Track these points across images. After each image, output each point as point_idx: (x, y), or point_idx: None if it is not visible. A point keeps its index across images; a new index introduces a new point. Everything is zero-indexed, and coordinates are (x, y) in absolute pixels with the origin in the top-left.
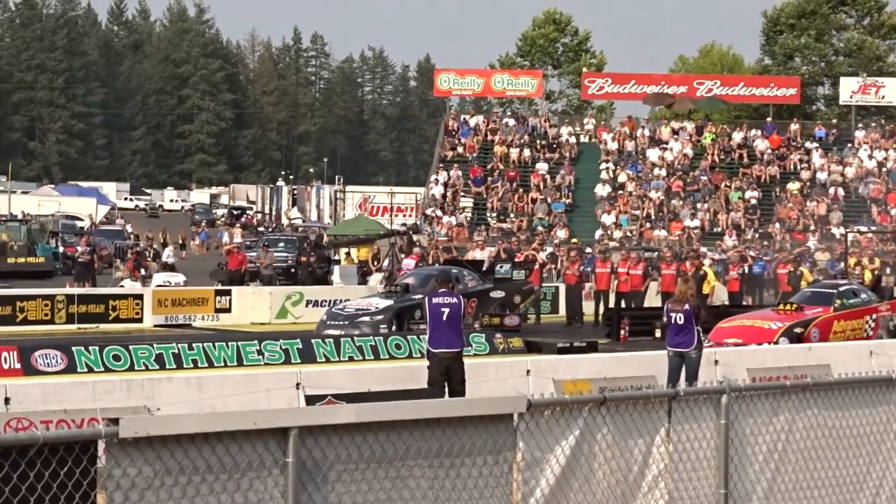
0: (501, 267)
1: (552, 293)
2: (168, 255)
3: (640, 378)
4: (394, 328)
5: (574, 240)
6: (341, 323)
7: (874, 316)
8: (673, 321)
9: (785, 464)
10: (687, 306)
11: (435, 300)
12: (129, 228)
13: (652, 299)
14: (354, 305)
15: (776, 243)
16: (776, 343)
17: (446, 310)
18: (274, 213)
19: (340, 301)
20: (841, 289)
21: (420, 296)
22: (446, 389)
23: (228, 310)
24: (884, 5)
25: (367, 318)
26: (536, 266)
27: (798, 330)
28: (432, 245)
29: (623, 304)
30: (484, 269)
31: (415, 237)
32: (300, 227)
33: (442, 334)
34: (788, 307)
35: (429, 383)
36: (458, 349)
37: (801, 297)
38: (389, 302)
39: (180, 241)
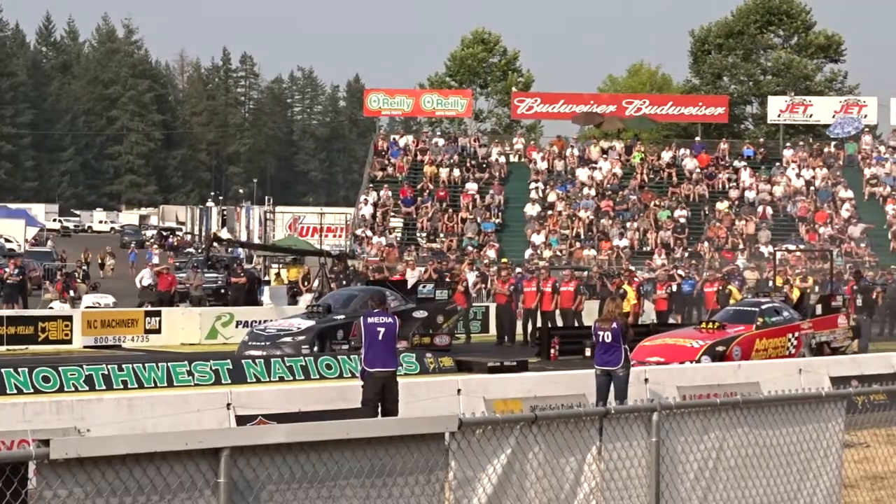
0: (424, 287)
1: (482, 312)
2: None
3: (571, 397)
4: (316, 348)
5: (504, 259)
6: (263, 343)
7: (796, 334)
8: (601, 340)
9: (716, 481)
10: (615, 325)
11: (370, 320)
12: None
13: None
14: (276, 326)
15: (705, 262)
16: (698, 361)
17: (381, 329)
18: (203, 233)
19: (263, 322)
20: (763, 307)
21: (342, 316)
22: (379, 409)
23: (158, 331)
24: (811, 25)
25: (288, 339)
26: (462, 286)
27: (720, 348)
28: (364, 266)
29: (550, 323)
30: (407, 288)
31: (349, 262)
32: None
33: (377, 354)
34: (711, 325)
35: (363, 403)
36: (393, 369)
37: (724, 315)
38: (311, 322)
39: (99, 261)
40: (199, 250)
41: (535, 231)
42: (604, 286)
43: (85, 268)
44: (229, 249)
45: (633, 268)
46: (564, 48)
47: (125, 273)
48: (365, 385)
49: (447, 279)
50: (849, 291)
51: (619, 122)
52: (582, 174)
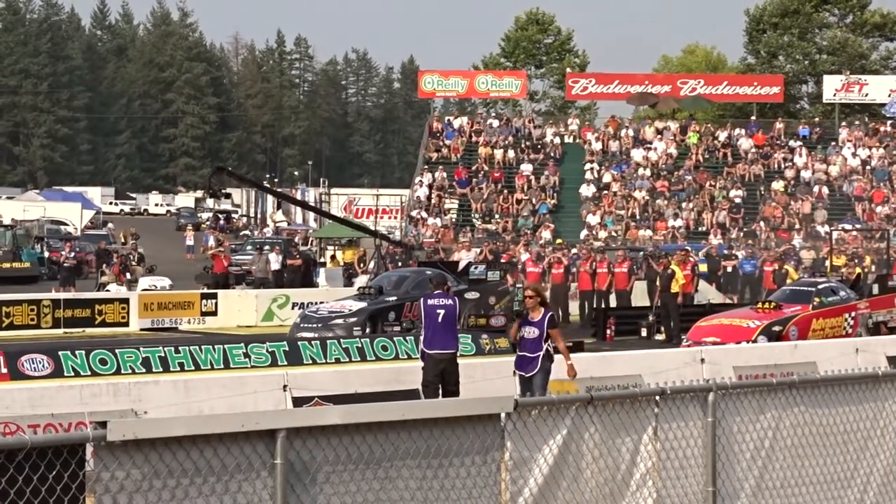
0: (476, 268)
1: None
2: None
3: (627, 377)
4: (367, 330)
5: (559, 240)
6: (315, 326)
7: (853, 314)
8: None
9: (773, 461)
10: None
11: (430, 301)
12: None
13: (638, 298)
14: (328, 308)
15: (761, 242)
16: (754, 342)
17: (442, 311)
18: (259, 216)
19: (315, 304)
20: (819, 287)
21: (394, 298)
22: (440, 391)
23: (214, 313)
24: (866, 3)
25: (340, 321)
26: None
27: (776, 328)
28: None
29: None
30: (458, 270)
31: (414, 253)
32: (285, 229)
33: (437, 336)
34: (767, 305)
35: (423, 385)
36: (454, 351)
37: (780, 295)
38: (363, 304)
39: (122, 240)
40: (255, 232)
41: (590, 212)
42: (650, 267)
43: (142, 250)
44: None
45: (688, 247)
46: (619, 29)
47: (177, 257)
48: (425, 366)
49: (503, 260)
50: None
51: (674, 102)
52: (637, 154)
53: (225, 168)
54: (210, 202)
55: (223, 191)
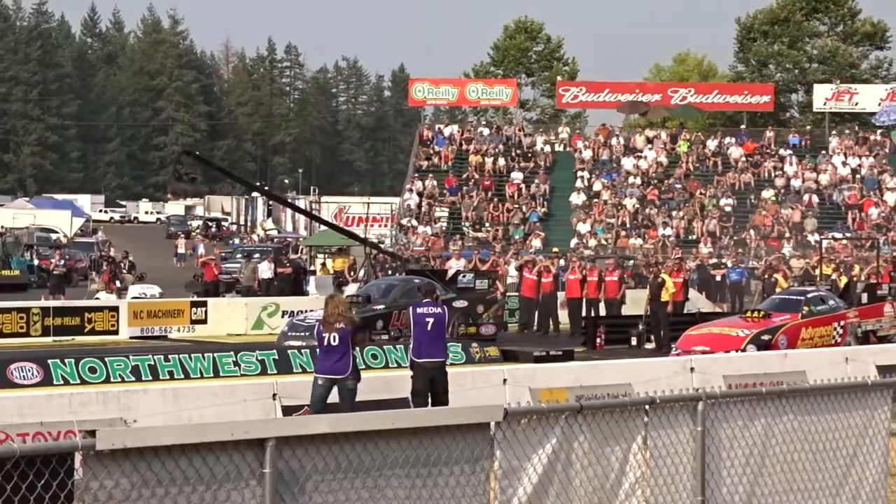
0: (464, 276)
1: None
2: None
3: (617, 386)
4: None
5: (555, 249)
6: (302, 334)
7: (842, 323)
8: (325, 344)
9: (762, 470)
10: (341, 326)
11: (419, 310)
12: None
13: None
14: (316, 316)
15: (751, 251)
16: (743, 350)
17: (430, 320)
18: (249, 224)
19: (303, 312)
20: (809, 296)
21: (382, 306)
22: (429, 399)
23: (204, 321)
24: (857, 12)
25: None
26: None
27: (766, 337)
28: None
29: (594, 312)
30: (447, 278)
31: (408, 265)
32: (275, 237)
33: (426, 344)
34: (756, 314)
35: (413, 393)
36: (442, 359)
37: (769, 304)
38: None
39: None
40: (244, 240)
41: (580, 220)
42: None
43: (132, 258)
44: (274, 240)
45: (679, 256)
46: (609, 36)
47: (167, 265)
48: (414, 375)
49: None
50: (886, 279)
51: (665, 110)
52: (627, 163)
53: (192, 152)
54: (200, 210)
55: (190, 175)
